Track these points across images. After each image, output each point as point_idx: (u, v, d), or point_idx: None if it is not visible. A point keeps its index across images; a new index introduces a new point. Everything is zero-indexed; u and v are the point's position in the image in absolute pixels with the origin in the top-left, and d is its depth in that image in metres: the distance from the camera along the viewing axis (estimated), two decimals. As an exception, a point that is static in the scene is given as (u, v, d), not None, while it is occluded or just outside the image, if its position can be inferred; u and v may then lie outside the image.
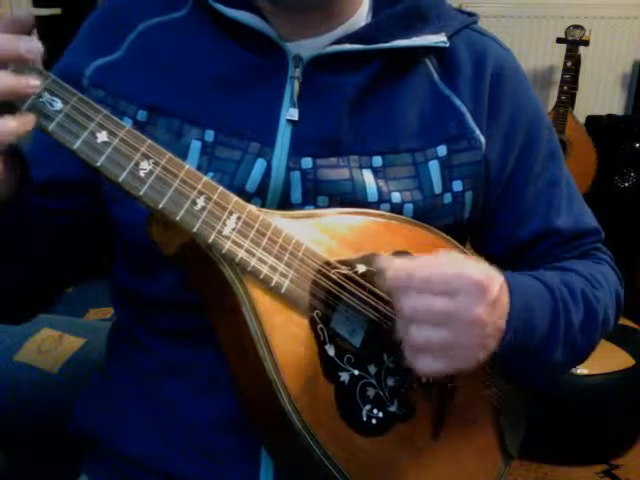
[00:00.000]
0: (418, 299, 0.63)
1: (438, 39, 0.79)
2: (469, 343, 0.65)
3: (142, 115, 0.76)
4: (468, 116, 0.81)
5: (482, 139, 0.81)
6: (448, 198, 0.79)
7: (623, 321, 2.14)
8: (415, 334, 0.64)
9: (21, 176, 0.65)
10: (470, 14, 0.86)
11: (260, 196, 0.74)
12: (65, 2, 2.65)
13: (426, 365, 0.64)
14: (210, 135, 0.75)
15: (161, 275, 0.77)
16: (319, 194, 0.75)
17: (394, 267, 0.65)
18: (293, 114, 0.75)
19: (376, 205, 0.76)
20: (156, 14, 0.80)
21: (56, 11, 2.65)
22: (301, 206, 0.75)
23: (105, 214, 0.80)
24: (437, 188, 0.79)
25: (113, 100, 0.76)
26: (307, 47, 0.77)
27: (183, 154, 0.73)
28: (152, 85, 0.77)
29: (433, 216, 0.78)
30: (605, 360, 1.97)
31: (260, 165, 0.74)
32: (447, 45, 0.80)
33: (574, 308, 0.78)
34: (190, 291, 0.71)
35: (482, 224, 0.86)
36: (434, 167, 0.78)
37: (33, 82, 0.55)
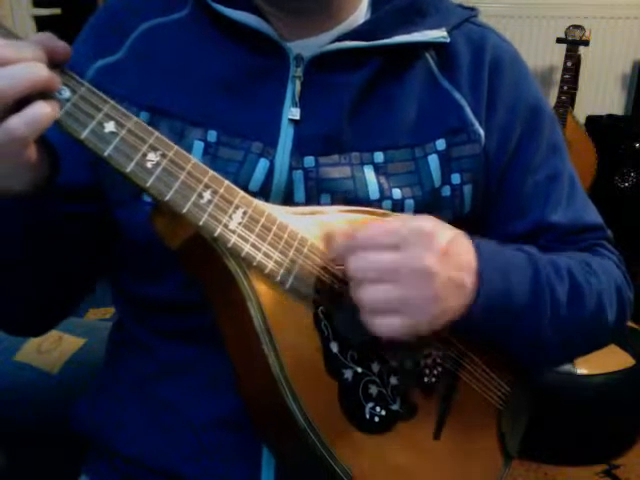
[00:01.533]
0: (362, 257, 0.63)
1: (438, 34, 0.79)
2: (420, 294, 0.63)
3: (144, 116, 0.76)
4: (467, 109, 0.80)
5: (481, 132, 0.81)
6: (447, 191, 0.79)
7: (623, 321, 2.13)
8: (365, 295, 0.62)
9: (50, 168, 0.64)
10: (471, 8, 0.86)
11: (263, 196, 0.74)
12: (65, 2, 2.65)
13: (383, 325, 0.63)
14: (212, 135, 0.75)
15: (163, 277, 0.77)
16: (322, 192, 0.75)
17: (341, 233, 0.65)
18: (295, 114, 0.75)
19: (378, 202, 0.76)
20: (157, 15, 0.80)
21: (56, 11, 2.65)
22: (304, 205, 0.74)
23: (107, 218, 0.80)
24: (437, 182, 0.78)
25: (115, 101, 0.76)
26: (308, 46, 0.77)
27: None
28: (154, 86, 0.77)
29: (433, 210, 0.78)
30: (605, 360, 1.97)
31: (263, 165, 0.74)
32: (448, 40, 0.80)
33: (557, 281, 0.75)
34: (192, 292, 0.71)
35: (482, 218, 0.85)
36: (433, 161, 0.78)
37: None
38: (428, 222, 0.65)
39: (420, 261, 0.62)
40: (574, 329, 0.78)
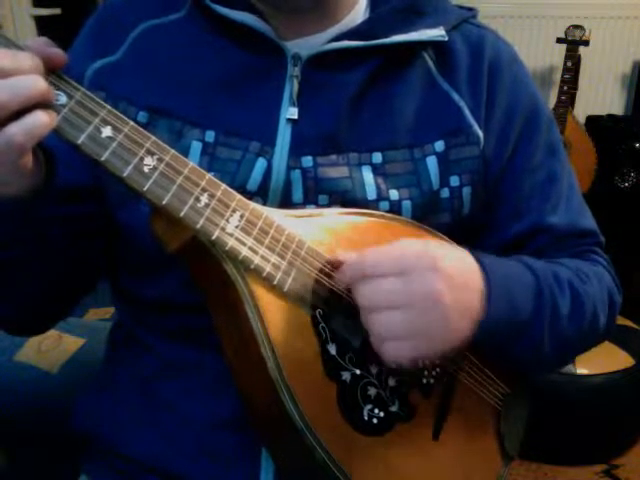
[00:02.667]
0: (370, 285, 0.64)
1: (437, 33, 0.79)
2: (431, 319, 0.64)
3: (143, 116, 0.76)
4: (466, 111, 0.80)
5: (480, 134, 0.81)
6: (445, 193, 0.79)
7: (623, 321, 2.13)
8: (376, 322, 0.64)
9: (47, 173, 0.65)
10: (469, 9, 0.86)
11: (261, 196, 0.74)
12: (65, 2, 2.65)
13: (393, 352, 0.64)
14: (210, 136, 0.75)
15: (163, 277, 0.77)
16: (320, 193, 0.75)
17: (348, 260, 0.66)
18: (293, 113, 0.75)
19: (375, 203, 0.76)
20: (154, 15, 0.80)
21: (56, 11, 2.65)
22: (302, 205, 0.75)
23: (106, 218, 0.80)
24: (435, 184, 0.78)
25: (113, 102, 0.76)
26: (306, 45, 0.77)
27: (183, 155, 0.73)
28: (152, 86, 0.77)
29: (431, 212, 0.78)
30: (605, 360, 1.97)
31: (261, 165, 0.74)
32: (446, 39, 0.80)
33: (560, 295, 0.76)
34: (192, 292, 0.71)
35: (480, 220, 0.85)
36: (432, 163, 0.78)
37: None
38: (432, 248, 0.66)
39: (428, 285, 0.63)
40: (572, 339, 0.79)
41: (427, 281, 0.64)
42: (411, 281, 0.63)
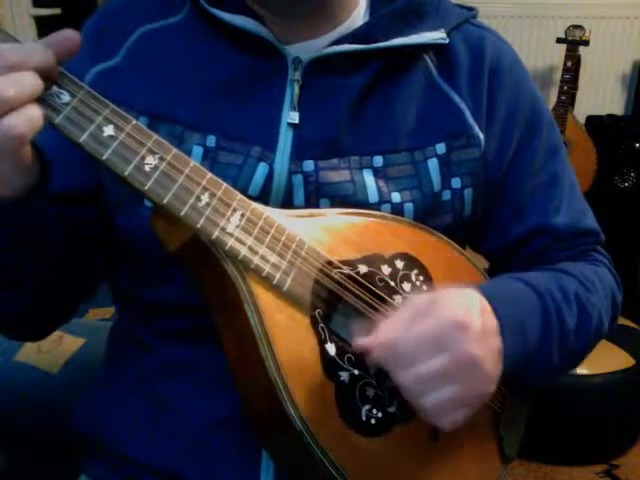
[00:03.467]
0: (413, 372, 0.64)
1: (437, 36, 0.79)
2: (477, 381, 0.66)
3: (143, 121, 0.75)
4: (467, 113, 0.80)
5: (481, 136, 0.81)
6: (447, 195, 0.79)
7: (623, 321, 2.13)
8: (426, 404, 0.65)
9: (41, 173, 0.65)
10: (469, 8, 0.86)
11: (263, 200, 0.74)
12: (65, 2, 2.65)
13: (450, 421, 0.66)
14: (212, 140, 0.75)
15: (163, 280, 0.77)
16: (321, 196, 0.75)
17: (375, 347, 0.66)
18: (294, 117, 0.75)
19: (377, 206, 0.76)
20: (153, 19, 0.80)
21: (56, 11, 2.65)
22: (303, 209, 0.75)
23: (107, 223, 0.80)
24: (436, 186, 0.78)
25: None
26: (306, 49, 0.77)
27: None
28: (152, 91, 0.77)
29: (433, 214, 0.78)
30: (605, 360, 1.97)
31: (262, 169, 0.74)
32: (446, 42, 0.80)
33: (567, 311, 0.77)
34: (191, 294, 0.71)
35: (482, 221, 0.85)
36: (433, 165, 0.78)
37: None
38: (456, 311, 0.66)
39: (466, 354, 0.65)
40: (579, 350, 0.81)
41: (465, 350, 0.65)
42: (451, 356, 0.64)
